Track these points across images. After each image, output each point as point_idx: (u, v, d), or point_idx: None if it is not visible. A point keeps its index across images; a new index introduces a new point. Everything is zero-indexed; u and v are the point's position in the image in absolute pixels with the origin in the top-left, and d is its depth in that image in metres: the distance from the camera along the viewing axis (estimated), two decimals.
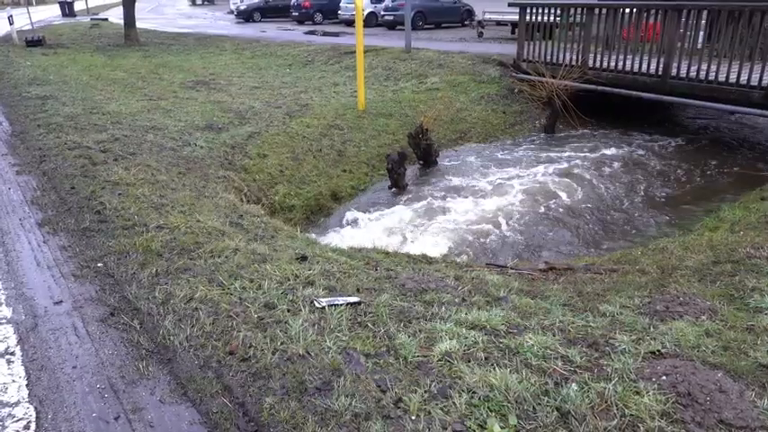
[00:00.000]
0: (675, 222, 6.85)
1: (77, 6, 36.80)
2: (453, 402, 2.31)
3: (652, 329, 2.91)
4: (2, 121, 8.21)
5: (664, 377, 2.40)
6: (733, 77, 8.65)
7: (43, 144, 6.76)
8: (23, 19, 22.04)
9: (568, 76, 10.32)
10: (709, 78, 8.92)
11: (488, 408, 2.28)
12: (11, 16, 19.18)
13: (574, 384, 2.40)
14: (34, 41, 17.96)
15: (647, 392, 2.31)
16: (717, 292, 3.46)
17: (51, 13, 36.26)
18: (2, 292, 3.51)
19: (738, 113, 10.30)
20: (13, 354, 2.88)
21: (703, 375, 2.40)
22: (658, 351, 2.66)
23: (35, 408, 2.49)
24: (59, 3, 37.00)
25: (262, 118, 9.26)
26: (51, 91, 10.14)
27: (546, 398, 2.32)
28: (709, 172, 8.62)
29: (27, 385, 2.64)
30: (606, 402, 2.28)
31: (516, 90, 11.75)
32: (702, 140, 10.39)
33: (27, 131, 7.44)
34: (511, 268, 4.59)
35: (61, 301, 3.38)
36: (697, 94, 9.23)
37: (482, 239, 6.39)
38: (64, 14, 33.64)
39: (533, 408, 2.27)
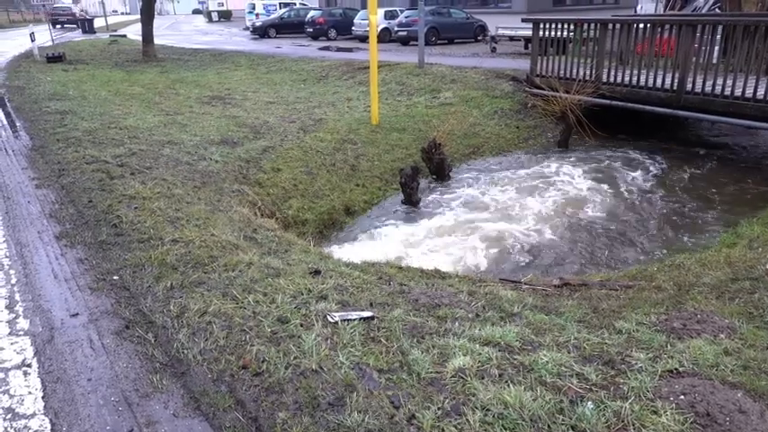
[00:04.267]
0: (692, 238, 6.77)
1: (97, 23, 37.63)
2: (467, 420, 2.29)
3: (669, 347, 2.86)
4: (22, 135, 8.37)
5: (682, 396, 2.36)
6: (749, 92, 8.58)
7: (62, 158, 6.88)
8: (45, 36, 22.54)
9: (582, 90, 10.30)
10: (725, 93, 8.86)
11: (502, 426, 2.25)
12: (32, 33, 19.63)
13: (590, 403, 2.36)
14: (55, 57, 18.34)
15: (665, 412, 2.27)
16: (735, 309, 3.41)
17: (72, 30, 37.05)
18: (20, 304, 3.55)
19: (755, 129, 10.19)
20: (29, 366, 2.91)
21: (722, 395, 2.36)
22: (676, 369, 2.62)
23: (50, 420, 2.51)
24: (79, 20, 37.91)
25: (276, 132, 9.34)
26: (70, 106, 10.33)
27: (561, 416, 2.30)
28: (725, 187, 8.52)
29: (43, 397, 2.66)
30: (623, 422, 2.25)
31: (530, 105, 11.75)
32: (718, 156, 10.29)
33: (46, 146, 7.57)
34: (525, 284, 4.56)
35: (77, 314, 3.42)
36: (712, 109, 9.16)
37: (495, 254, 6.36)
38: (84, 31, 34.39)
39: (548, 426, 2.24)
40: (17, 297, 3.64)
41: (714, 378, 2.53)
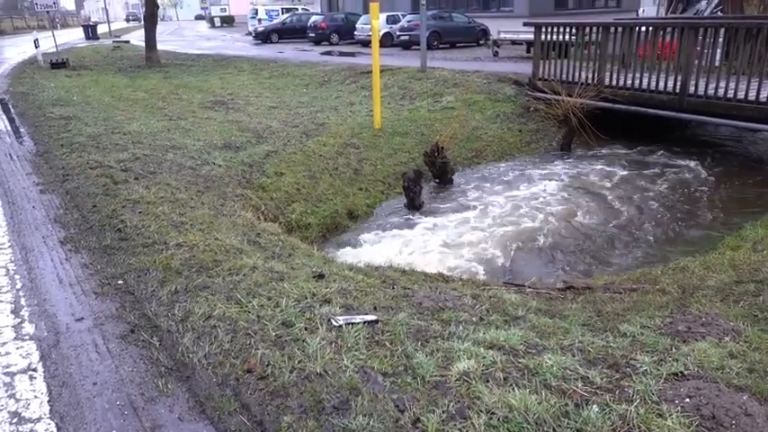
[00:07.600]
0: (696, 241, 6.76)
1: (100, 29, 37.82)
2: (472, 423, 2.29)
3: (674, 350, 2.86)
4: (27, 140, 8.41)
5: (687, 399, 2.36)
6: (752, 95, 8.58)
7: (66, 163, 6.91)
8: (48, 42, 22.65)
9: (584, 94, 10.31)
10: (728, 96, 8.86)
11: (507, 429, 2.25)
12: (36, 39, 19.74)
13: (595, 406, 2.36)
14: (58, 63, 18.43)
15: (671, 415, 2.27)
16: (740, 312, 3.40)
17: (75, 36, 37.27)
18: (25, 308, 3.57)
19: (757, 131, 10.18)
20: (35, 370, 2.92)
21: (728, 398, 2.35)
22: (681, 372, 2.61)
23: (56, 424, 2.52)
24: (83, 26, 38.18)
25: (279, 137, 9.37)
26: (74, 111, 10.37)
27: (566, 420, 2.29)
28: (729, 190, 8.51)
29: (48, 401, 2.67)
30: (628, 425, 2.24)
31: (532, 108, 11.75)
32: (721, 158, 10.27)
33: (51, 151, 7.61)
34: (529, 287, 4.56)
35: (82, 318, 3.43)
36: (715, 111, 9.15)
37: (498, 258, 6.36)
38: (87, 37, 34.55)
39: (553, 430, 2.24)
40: (22, 301, 3.65)
41: (719, 381, 2.53)
